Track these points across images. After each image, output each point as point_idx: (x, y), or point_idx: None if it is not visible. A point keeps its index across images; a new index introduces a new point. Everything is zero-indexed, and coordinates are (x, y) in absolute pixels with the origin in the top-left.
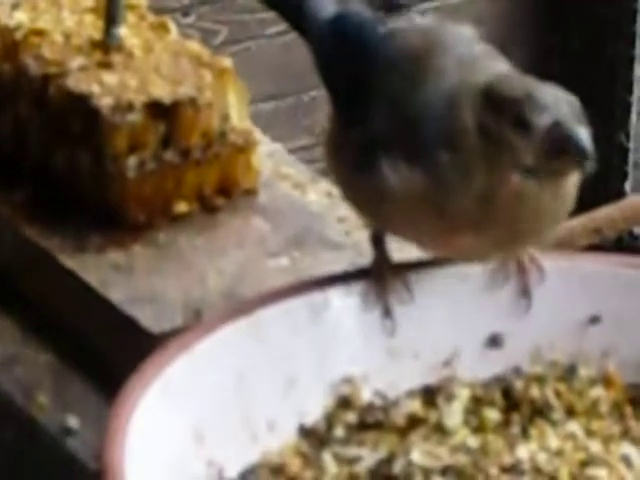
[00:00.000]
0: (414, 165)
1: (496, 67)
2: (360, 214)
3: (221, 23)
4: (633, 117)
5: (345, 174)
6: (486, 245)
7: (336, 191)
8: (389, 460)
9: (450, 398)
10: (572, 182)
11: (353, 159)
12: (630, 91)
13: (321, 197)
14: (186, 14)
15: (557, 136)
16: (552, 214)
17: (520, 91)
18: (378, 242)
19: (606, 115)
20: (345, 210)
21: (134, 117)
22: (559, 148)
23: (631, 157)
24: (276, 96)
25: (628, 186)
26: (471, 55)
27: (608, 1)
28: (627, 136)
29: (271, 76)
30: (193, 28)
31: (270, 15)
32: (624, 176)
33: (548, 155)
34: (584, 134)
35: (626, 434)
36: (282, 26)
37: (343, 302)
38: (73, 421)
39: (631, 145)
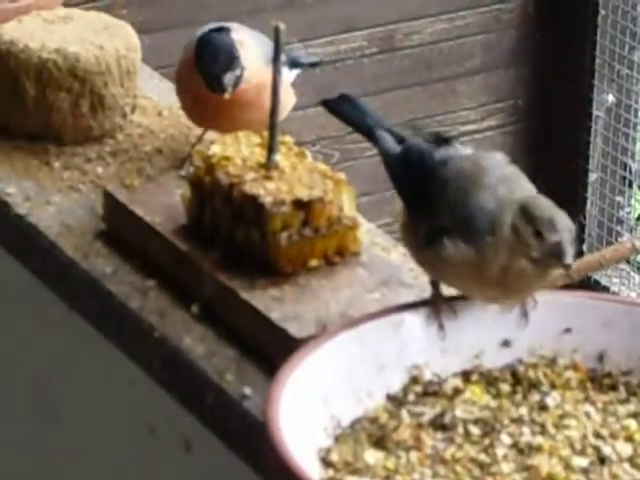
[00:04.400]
0: (468, 244)
1: (524, 186)
2: (425, 270)
3: (335, 150)
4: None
5: (415, 247)
6: (502, 296)
7: (408, 252)
8: (442, 414)
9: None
10: (554, 272)
11: (423, 238)
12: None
13: (399, 256)
14: (314, 145)
15: (556, 250)
16: (538, 285)
17: (545, 214)
18: (435, 284)
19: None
20: (413, 264)
21: (285, 209)
22: (555, 256)
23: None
24: (370, 193)
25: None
26: (504, 176)
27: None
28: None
29: (366, 181)
30: (318, 153)
31: (366, 144)
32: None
33: (548, 257)
34: (571, 253)
35: (587, 399)
36: (374, 151)
37: (413, 320)
38: (248, 391)
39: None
